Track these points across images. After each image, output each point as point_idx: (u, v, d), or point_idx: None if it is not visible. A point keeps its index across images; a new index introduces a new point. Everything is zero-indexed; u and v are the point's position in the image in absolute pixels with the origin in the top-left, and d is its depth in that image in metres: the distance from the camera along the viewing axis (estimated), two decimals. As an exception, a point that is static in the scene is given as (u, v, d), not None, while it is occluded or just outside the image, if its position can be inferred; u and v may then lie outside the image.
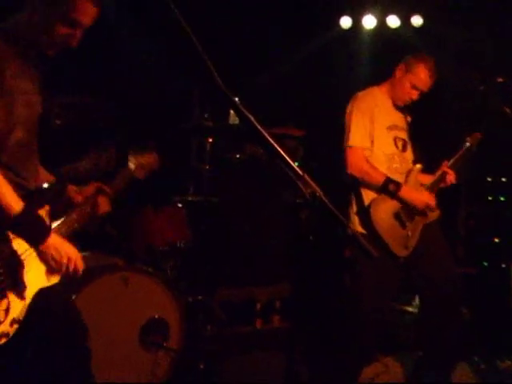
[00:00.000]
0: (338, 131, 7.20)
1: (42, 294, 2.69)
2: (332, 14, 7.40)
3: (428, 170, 4.49)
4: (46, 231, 2.67)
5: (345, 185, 4.35)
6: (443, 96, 5.94)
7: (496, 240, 6.41)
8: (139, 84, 6.05)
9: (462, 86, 4.79)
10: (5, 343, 2.52)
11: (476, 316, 5.60)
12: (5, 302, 2.53)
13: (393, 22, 7.24)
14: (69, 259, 2.70)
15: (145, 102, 5.96)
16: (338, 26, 7.41)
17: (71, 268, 2.70)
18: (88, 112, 4.68)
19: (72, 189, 3.08)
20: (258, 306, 5.91)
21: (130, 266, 4.36)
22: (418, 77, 4.26)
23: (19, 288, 2.60)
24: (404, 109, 4.46)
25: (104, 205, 3.14)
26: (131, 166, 3.35)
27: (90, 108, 4.72)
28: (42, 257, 2.66)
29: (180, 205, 5.19)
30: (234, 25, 6.75)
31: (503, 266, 6.25)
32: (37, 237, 2.63)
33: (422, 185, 4.39)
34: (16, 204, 2.54)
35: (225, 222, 6.01)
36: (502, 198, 6.47)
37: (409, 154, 4.43)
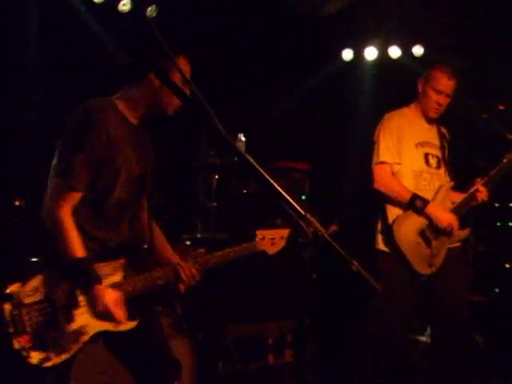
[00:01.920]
0: (343, 162, 7.26)
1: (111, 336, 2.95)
2: (334, 47, 7.48)
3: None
4: (94, 280, 2.84)
5: (371, 204, 4.37)
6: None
7: (507, 265, 6.40)
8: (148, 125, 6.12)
9: (465, 114, 4.80)
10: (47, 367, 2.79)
11: (489, 343, 5.56)
12: (57, 332, 2.81)
13: (394, 52, 7.33)
14: (107, 311, 2.85)
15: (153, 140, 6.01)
16: (340, 58, 7.49)
17: (113, 316, 2.86)
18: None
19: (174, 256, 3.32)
20: (270, 341, 5.89)
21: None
22: (439, 81, 4.29)
23: (71, 323, 2.85)
24: (437, 126, 4.47)
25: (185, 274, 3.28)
26: (258, 238, 3.41)
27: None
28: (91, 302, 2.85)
29: (188, 242, 5.21)
30: (236, 61, 6.83)
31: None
32: (85, 283, 2.84)
33: (452, 203, 4.35)
34: (78, 250, 2.81)
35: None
36: (510, 224, 6.47)
37: (443, 171, 4.40)
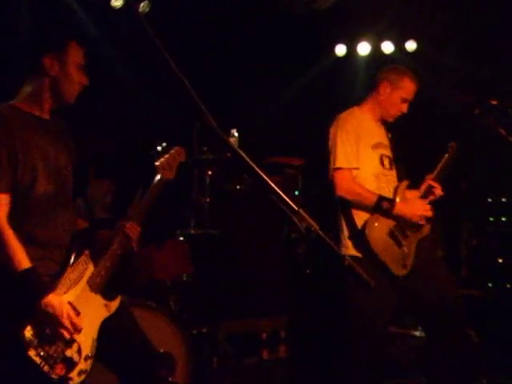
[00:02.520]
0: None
1: (108, 321, 3.07)
2: (327, 43, 7.49)
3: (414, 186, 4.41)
4: (46, 290, 2.84)
5: (332, 209, 4.30)
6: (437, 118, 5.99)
7: (500, 260, 6.42)
8: (136, 120, 6.13)
9: (456, 108, 4.80)
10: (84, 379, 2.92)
11: (483, 338, 5.57)
12: (75, 345, 2.90)
13: (387, 47, 7.34)
14: (67, 317, 2.83)
15: (143, 136, 6.03)
16: (334, 54, 7.50)
17: (67, 325, 2.83)
18: (88, 147, 4.74)
19: (105, 233, 3.27)
20: (264, 336, 5.91)
21: (133, 302, 4.37)
22: (407, 90, 4.25)
23: (82, 330, 2.91)
24: (384, 126, 4.42)
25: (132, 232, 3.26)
26: (160, 170, 3.39)
27: (89, 143, 4.78)
28: (40, 315, 2.81)
29: (182, 238, 5.21)
30: (229, 56, 6.83)
31: (508, 286, 6.26)
32: (36, 294, 2.82)
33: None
34: (22, 262, 2.80)
35: (226, 254, 6.03)
36: (503, 219, 6.49)
37: (395, 172, 4.35)
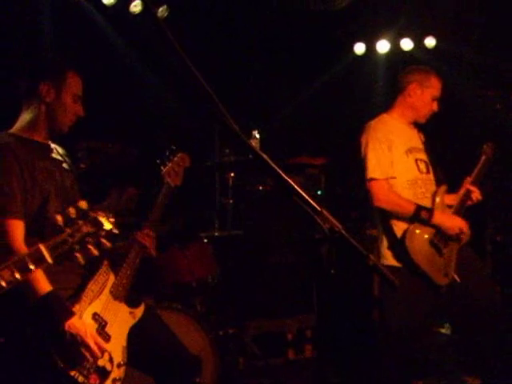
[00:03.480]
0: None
1: (138, 327, 3.16)
2: (346, 42, 7.49)
3: (452, 189, 4.35)
4: (68, 313, 2.85)
5: (371, 219, 4.25)
6: (461, 115, 5.96)
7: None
8: (160, 123, 6.17)
9: (478, 104, 4.78)
10: None
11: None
12: (106, 354, 2.94)
13: (406, 44, 7.32)
14: (91, 337, 2.83)
15: (166, 140, 6.06)
16: (353, 52, 7.49)
17: (92, 345, 2.83)
18: (111, 156, 4.78)
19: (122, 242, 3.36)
20: (290, 336, 5.91)
21: (160, 304, 4.41)
22: (436, 88, 4.22)
23: (111, 339, 3.00)
24: (417, 129, 4.37)
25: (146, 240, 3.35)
26: (166, 177, 3.46)
27: (113, 152, 4.82)
28: (64, 337, 2.80)
29: (206, 240, 5.24)
30: (249, 58, 6.86)
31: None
32: (59, 317, 2.82)
33: (448, 206, 4.23)
34: (44, 286, 2.81)
35: (250, 255, 6.05)
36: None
37: (432, 175, 4.28)
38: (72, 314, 2.85)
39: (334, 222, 2.09)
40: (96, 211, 2.08)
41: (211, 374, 4.38)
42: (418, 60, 7.06)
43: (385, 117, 4.32)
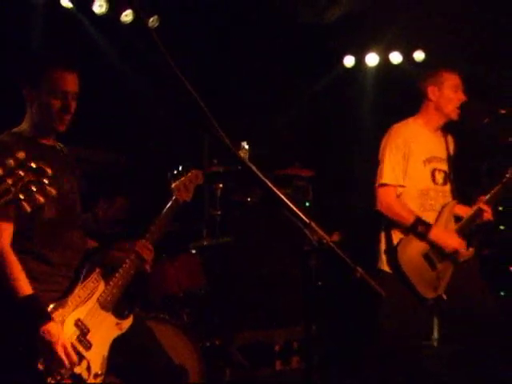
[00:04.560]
0: (346, 168, 7.27)
1: (127, 338, 3.13)
2: (335, 54, 7.52)
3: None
4: (46, 317, 2.85)
5: (374, 221, 4.25)
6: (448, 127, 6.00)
7: (512, 269, 6.39)
8: (149, 133, 6.17)
9: (466, 119, 4.79)
10: None
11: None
12: (84, 362, 2.93)
13: (395, 58, 7.36)
14: (61, 345, 2.83)
15: (154, 150, 6.07)
16: (342, 65, 7.53)
17: (61, 354, 2.82)
18: (98, 163, 4.77)
19: (118, 252, 3.35)
20: (277, 347, 5.90)
21: (147, 315, 4.39)
22: (452, 79, 4.22)
23: (92, 347, 2.98)
24: (445, 138, 4.34)
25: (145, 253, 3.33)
26: (175, 192, 3.45)
27: (102, 160, 4.82)
28: (38, 341, 2.80)
29: (194, 251, 5.23)
30: (238, 68, 6.87)
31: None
32: (36, 320, 2.83)
33: (457, 218, 4.24)
34: (24, 288, 2.83)
35: (239, 265, 6.05)
36: (514, 227, 6.46)
37: (449, 187, 4.27)
38: (49, 319, 2.84)
39: (322, 233, 2.11)
40: (37, 161, 2.04)
41: (198, 384, 4.36)
42: (407, 73, 7.11)
43: (410, 122, 4.31)
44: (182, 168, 3.60)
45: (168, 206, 3.43)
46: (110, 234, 4.74)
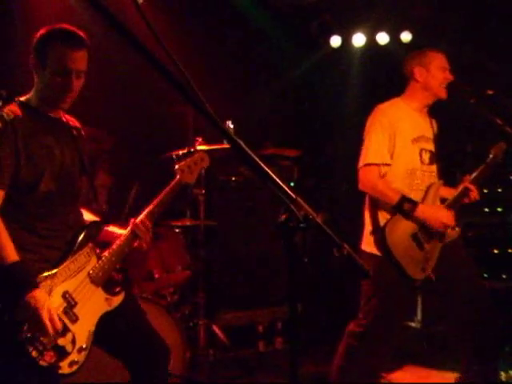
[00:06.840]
0: (332, 149, 7.24)
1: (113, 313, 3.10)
2: (322, 34, 7.46)
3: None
4: (31, 286, 2.82)
5: (361, 203, 4.19)
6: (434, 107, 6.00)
7: (495, 251, 6.41)
8: (132, 112, 6.10)
9: (452, 99, 4.76)
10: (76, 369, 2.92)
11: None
12: (69, 334, 2.91)
13: (382, 39, 7.31)
14: (47, 311, 2.80)
15: (138, 128, 6.00)
16: (329, 45, 7.47)
17: (45, 321, 2.79)
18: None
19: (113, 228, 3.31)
20: (260, 328, 5.90)
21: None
22: (438, 59, 4.19)
23: (78, 321, 2.95)
24: (430, 119, 4.31)
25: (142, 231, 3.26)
26: (179, 173, 3.40)
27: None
28: (21, 306, 2.78)
29: (177, 230, 5.19)
30: (223, 48, 6.81)
31: (504, 276, 6.25)
32: (22, 287, 2.81)
33: (443, 199, 4.21)
34: (11, 255, 2.80)
35: (223, 245, 6.03)
36: (499, 209, 6.47)
37: (435, 167, 4.24)
38: (35, 286, 2.82)
39: (309, 209, 2.07)
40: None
41: (180, 364, 4.35)
42: (394, 54, 7.07)
43: (398, 101, 4.26)
44: (188, 150, 3.56)
45: (170, 186, 3.36)
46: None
